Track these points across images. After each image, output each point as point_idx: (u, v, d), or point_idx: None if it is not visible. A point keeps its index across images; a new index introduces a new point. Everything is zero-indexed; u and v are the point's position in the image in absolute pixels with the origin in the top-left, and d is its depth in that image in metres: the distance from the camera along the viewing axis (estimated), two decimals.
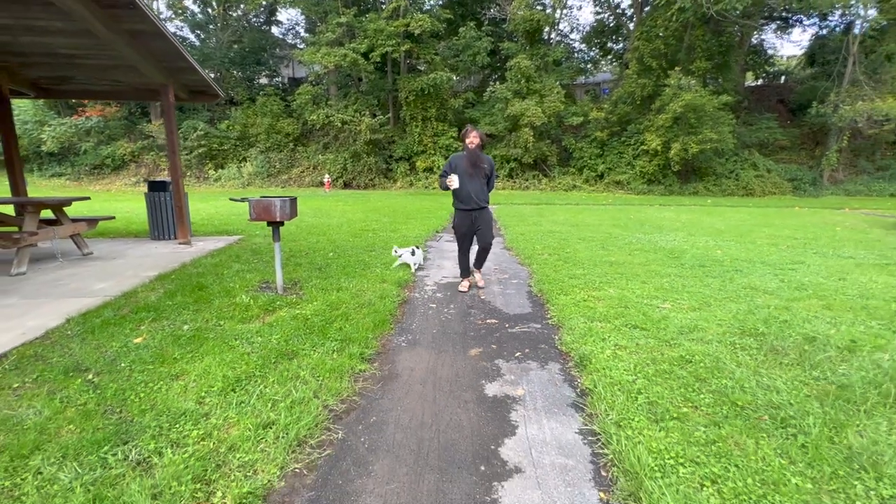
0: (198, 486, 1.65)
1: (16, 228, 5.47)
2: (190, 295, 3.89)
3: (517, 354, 2.99)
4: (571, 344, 3.02)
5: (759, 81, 28.85)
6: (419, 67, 23.61)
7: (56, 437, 1.92)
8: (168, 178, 7.09)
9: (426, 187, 21.84)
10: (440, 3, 25.11)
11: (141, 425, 2.01)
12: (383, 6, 22.90)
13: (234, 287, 4.13)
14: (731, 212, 13.06)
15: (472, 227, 4.30)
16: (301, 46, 25.87)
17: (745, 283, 4.51)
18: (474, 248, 4.51)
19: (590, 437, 2.05)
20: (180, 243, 6.45)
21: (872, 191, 19.95)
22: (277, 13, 28.63)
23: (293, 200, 3.99)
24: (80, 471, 1.70)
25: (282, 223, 4.01)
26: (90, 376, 2.46)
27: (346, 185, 22.66)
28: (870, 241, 7.52)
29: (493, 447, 2.00)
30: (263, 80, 28.17)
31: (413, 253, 5.21)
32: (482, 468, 1.85)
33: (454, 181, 4.10)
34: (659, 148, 19.03)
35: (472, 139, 4.13)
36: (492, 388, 2.53)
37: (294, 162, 23.89)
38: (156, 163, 23.73)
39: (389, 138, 23.48)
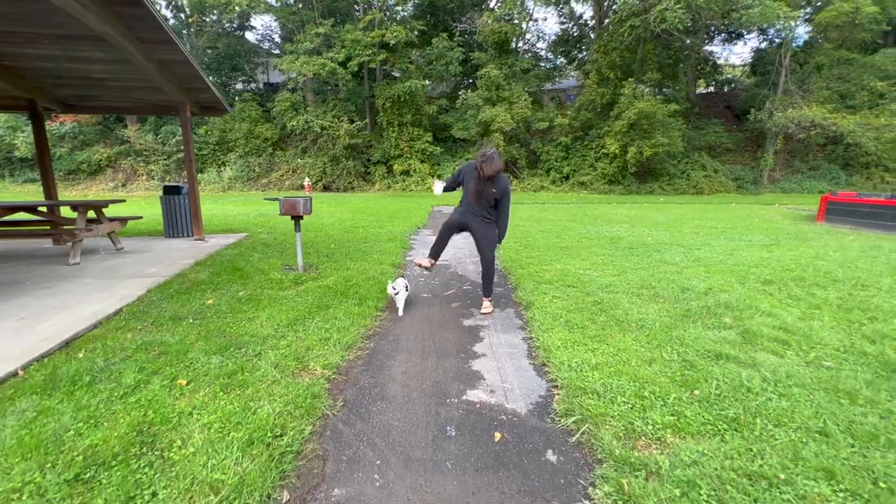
0: (296, 362, 2.82)
1: (48, 227, 6.39)
2: (232, 274, 4.97)
3: None
4: (523, 297, 4.30)
5: (710, 89, 31.45)
6: (394, 74, 24.77)
7: (193, 347, 3.03)
8: (180, 183, 8.06)
9: (403, 189, 22.99)
10: (411, 8, 26.29)
11: (244, 341, 3.14)
12: (358, 14, 23.98)
13: (265, 268, 5.23)
14: (677, 208, 14.78)
15: (460, 223, 3.93)
16: (277, 52, 26.57)
17: (659, 258, 5.92)
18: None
19: (528, 340, 3.32)
20: (196, 239, 7.42)
21: (804, 188, 22.39)
22: (252, 18, 29.25)
23: (310, 200, 5.13)
24: (222, 359, 2.83)
25: (302, 217, 5.14)
26: (190, 320, 3.55)
27: (326, 188, 23.56)
28: (774, 228, 9.18)
29: (468, 347, 3.23)
30: (239, 86, 28.71)
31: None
32: (462, 355, 3.09)
33: (437, 188, 4.03)
34: (617, 151, 20.83)
35: (486, 171, 3.52)
36: (468, 322, 3.77)
37: (273, 166, 24.57)
38: (133, 168, 23.95)
39: (367, 143, 24.51)
